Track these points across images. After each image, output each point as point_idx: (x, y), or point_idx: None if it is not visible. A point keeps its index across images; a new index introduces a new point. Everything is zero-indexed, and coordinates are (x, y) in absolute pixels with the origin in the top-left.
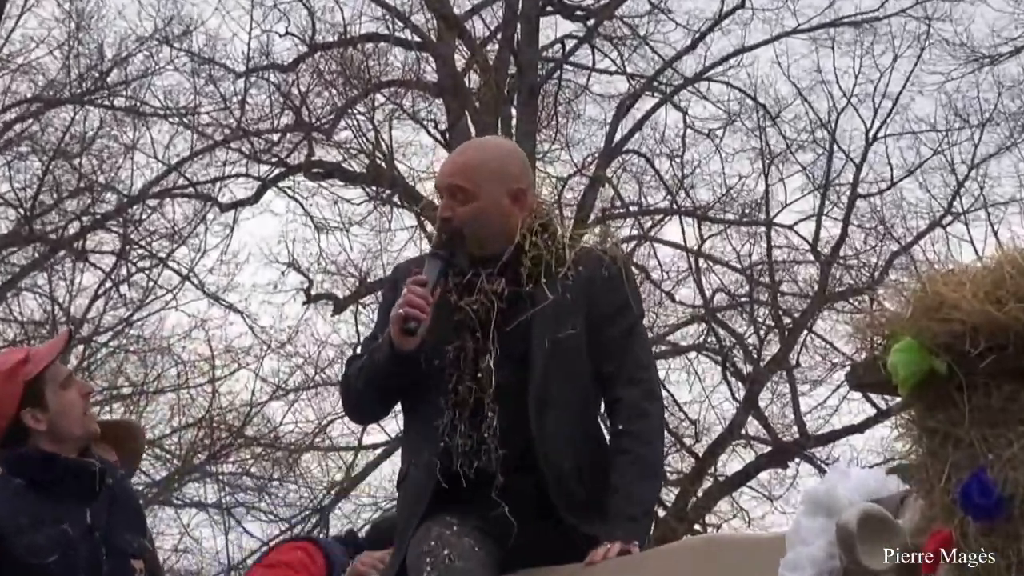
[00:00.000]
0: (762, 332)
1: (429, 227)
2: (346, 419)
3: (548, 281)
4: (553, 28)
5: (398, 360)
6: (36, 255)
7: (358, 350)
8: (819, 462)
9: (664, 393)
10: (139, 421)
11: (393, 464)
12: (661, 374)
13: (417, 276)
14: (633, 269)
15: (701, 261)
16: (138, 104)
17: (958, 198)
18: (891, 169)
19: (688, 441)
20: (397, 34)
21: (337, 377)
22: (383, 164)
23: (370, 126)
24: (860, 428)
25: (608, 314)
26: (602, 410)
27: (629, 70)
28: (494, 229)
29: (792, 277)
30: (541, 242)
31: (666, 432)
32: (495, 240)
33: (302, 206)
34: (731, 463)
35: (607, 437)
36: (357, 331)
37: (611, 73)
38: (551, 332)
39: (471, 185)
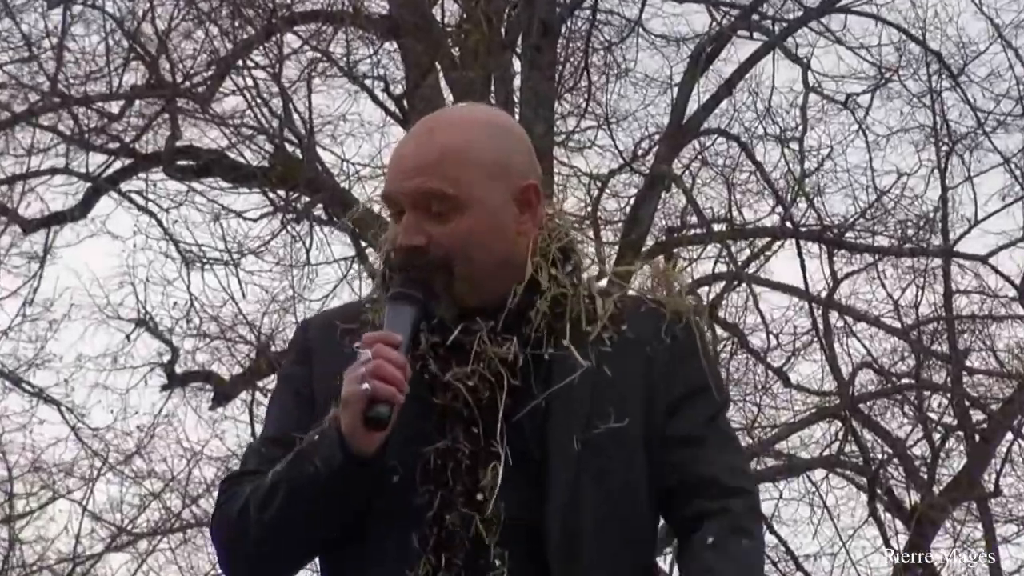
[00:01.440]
0: (937, 436)
1: (373, 256)
2: None
3: (574, 339)
4: None
5: (353, 471)
6: None
7: (247, 463)
8: None
9: (769, 539)
10: None
11: None
12: (767, 506)
13: (383, 332)
14: (716, 330)
15: (834, 317)
16: None
17: None
18: None
19: None
20: None
21: None
22: (297, 152)
23: (275, 89)
24: None
25: (671, 404)
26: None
27: None
28: (497, 258)
29: (988, 344)
30: (564, 277)
31: None
32: (499, 276)
33: (160, 224)
34: None
35: None
36: (253, 434)
37: (680, 0)
38: (580, 426)
39: (456, 188)
